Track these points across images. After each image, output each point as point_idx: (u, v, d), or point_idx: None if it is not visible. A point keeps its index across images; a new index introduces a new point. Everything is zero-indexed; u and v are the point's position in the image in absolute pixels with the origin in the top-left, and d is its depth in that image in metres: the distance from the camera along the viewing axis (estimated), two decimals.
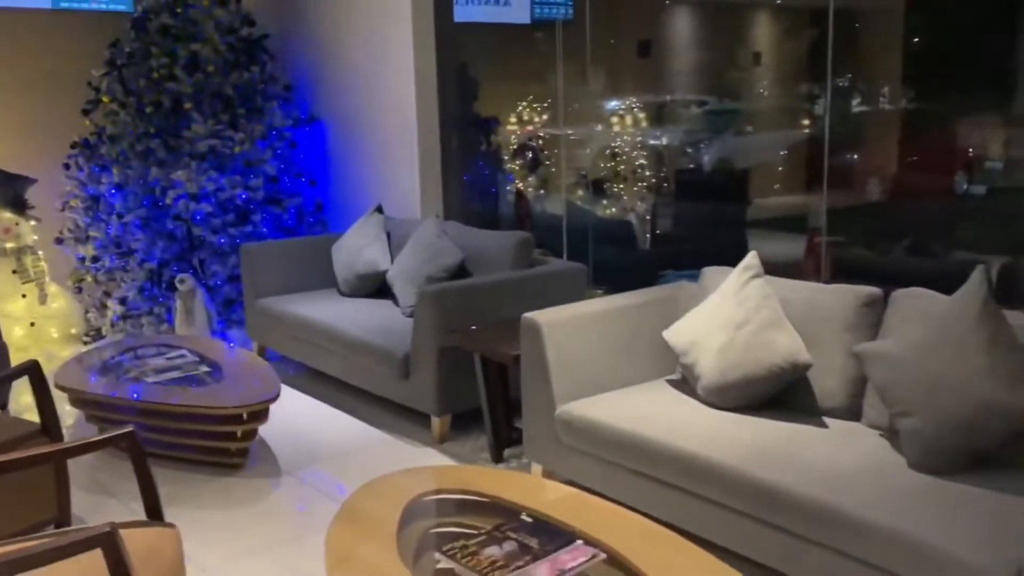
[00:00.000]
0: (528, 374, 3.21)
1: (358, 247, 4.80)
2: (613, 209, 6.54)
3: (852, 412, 2.82)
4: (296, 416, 4.20)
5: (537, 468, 3.28)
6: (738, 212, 5.40)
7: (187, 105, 5.39)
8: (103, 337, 5.51)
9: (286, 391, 4.58)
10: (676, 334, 3.13)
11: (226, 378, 3.67)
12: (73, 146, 5.61)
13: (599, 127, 6.47)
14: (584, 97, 6.19)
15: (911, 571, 2.11)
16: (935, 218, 4.11)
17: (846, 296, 2.88)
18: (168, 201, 5.28)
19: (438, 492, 2.52)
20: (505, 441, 3.65)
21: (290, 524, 3.08)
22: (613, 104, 6.39)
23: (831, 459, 2.49)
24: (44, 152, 5.75)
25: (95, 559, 2.01)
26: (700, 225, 5.79)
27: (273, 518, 3.13)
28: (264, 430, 3.97)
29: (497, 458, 3.61)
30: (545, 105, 6.54)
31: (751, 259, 3.05)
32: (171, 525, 2.26)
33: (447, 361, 3.71)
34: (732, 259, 3.26)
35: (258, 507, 3.22)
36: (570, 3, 6.07)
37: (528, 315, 3.17)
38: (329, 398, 4.46)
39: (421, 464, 3.57)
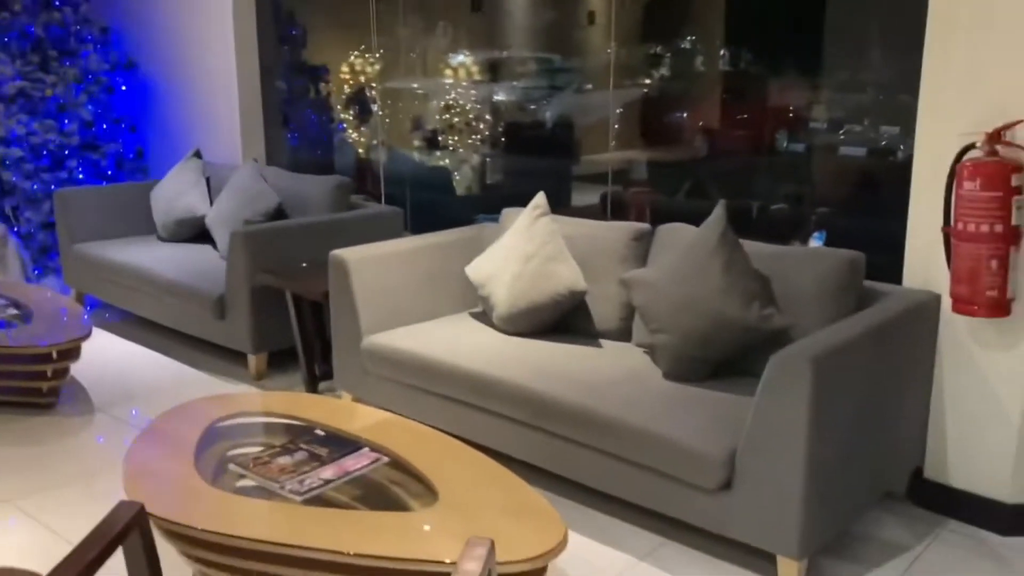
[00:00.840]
0: (337, 309, 3.39)
1: (176, 193, 4.81)
2: (447, 160, 6.76)
3: (624, 334, 3.17)
4: (113, 359, 4.22)
5: (347, 398, 3.49)
6: (566, 166, 5.72)
7: None
8: None
9: (105, 336, 4.57)
10: (476, 269, 3.39)
11: (36, 320, 3.67)
12: None
13: (429, 81, 6.62)
14: (417, 49, 6.33)
15: (653, 461, 2.46)
16: (750, 172, 4.52)
17: (620, 231, 3.21)
18: None
19: (241, 415, 2.69)
20: (320, 376, 3.83)
21: (100, 457, 3.17)
22: (450, 58, 6.55)
23: (598, 372, 2.82)
24: None
25: None
26: (529, 177, 6.09)
27: (84, 452, 3.21)
28: (80, 373, 3.98)
29: (312, 392, 3.79)
30: (378, 56, 6.64)
31: (539, 199, 3.34)
32: None
33: (262, 301, 3.84)
34: (554, 206, 3.56)
35: (69, 443, 3.28)
36: None
37: (336, 252, 3.35)
38: (149, 342, 4.50)
39: None
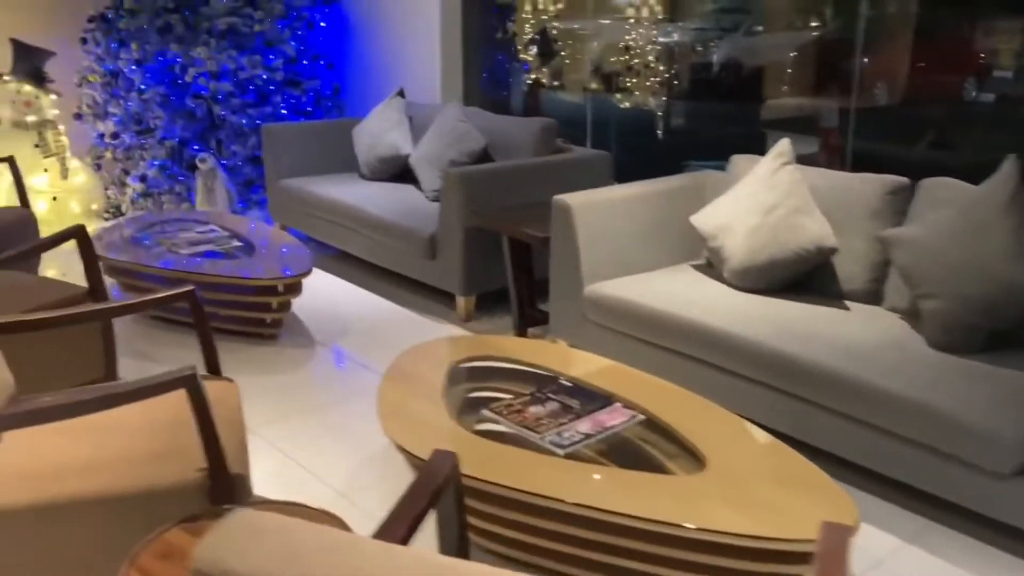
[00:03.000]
0: (558, 254, 3.30)
1: (380, 131, 4.82)
2: (627, 103, 6.55)
3: (872, 296, 2.94)
4: (324, 293, 4.32)
5: (562, 344, 3.41)
6: (751, 110, 5.43)
7: None
8: (123, 214, 5.58)
9: (314, 271, 4.68)
10: (705, 219, 3.22)
11: (258, 252, 3.77)
12: (91, 20, 5.55)
13: (608, 21, 6.40)
14: None
15: (930, 438, 2.26)
16: (943, 122, 4.18)
17: (873, 184, 2.96)
18: (188, 79, 5.26)
19: (477, 359, 2.65)
20: (529, 320, 3.77)
21: (329, 389, 3.23)
22: None
23: (853, 336, 2.62)
24: (61, 24, 5.69)
25: (170, 403, 2.14)
26: (714, 121, 5.83)
27: (313, 383, 3.28)
28: (295, 304, 4.09)
29: (522, 336, 3.74)
30: None
31: (783, 146, 3.12)
32: (230, 380, 2.38)
33: (472, 242, 3.80)
34: (748, 152, 3.36)
35: (297, 374, 3.36)
36: None
37: (559, 197, 3.25)
38: (354, 278, 4.57)
39: None
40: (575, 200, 3.23)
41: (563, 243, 3.27)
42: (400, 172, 4.83)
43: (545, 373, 2.54)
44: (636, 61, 6.64)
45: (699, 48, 6.03)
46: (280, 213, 5.12)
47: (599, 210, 3.26)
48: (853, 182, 3.01)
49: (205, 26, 5.32)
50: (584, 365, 2.59)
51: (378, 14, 5.56)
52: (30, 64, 5.18)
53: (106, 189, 5.63)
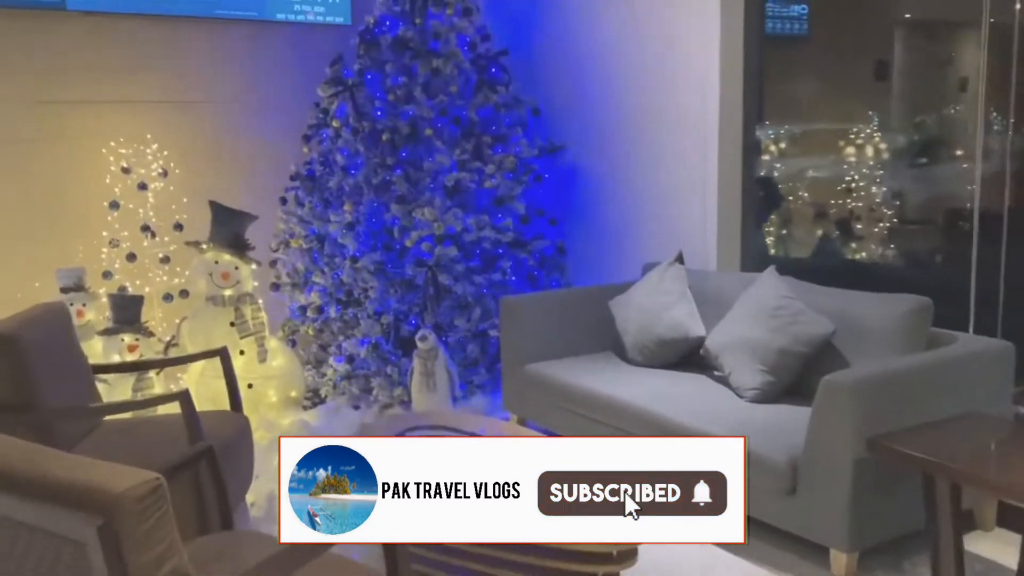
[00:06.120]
0: None
1: (658, 306, 3.87)
2: (863, 253, 5.51)
3: None
4: None
5: None
6: None
7: (428, 131, 4.59)
8: (323, 401, 4.71)
9: None
10: None
11: None
12: (293, 177, 4.88)
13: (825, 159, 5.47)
14: (813, 120, 5.18)
15: None
16: None
17: None
18: (409, 243, 4.47)
19: None
20: None
21: None
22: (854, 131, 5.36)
23: None
24: (258, 182, 5.05)
25: None
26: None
27: None
28: None
29: None
30: (781, 131, 5.57)
31: None
32: None
33: (863, 474, 2.72)
34: None
35: None
36: (804, 17, 5.11)
37: None
38: None
39: None
40: None
41: None
42: (681, 358, 3.84)
43: None
44: (860, 204, 5.65)
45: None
46: (518, 403, 4.16)
47: None
48: None
49: (426, 183, 4.57)
50: None
51: (617, 159, 4.73)
52: (230, 230, 4.48)
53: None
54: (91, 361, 3.46)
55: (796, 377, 3.34)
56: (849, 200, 5.52)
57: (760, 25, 4.24)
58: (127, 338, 4.14)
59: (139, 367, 3.93)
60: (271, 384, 4.50)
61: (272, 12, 5.17)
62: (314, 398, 4.74)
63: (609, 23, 4.69)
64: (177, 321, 4.53)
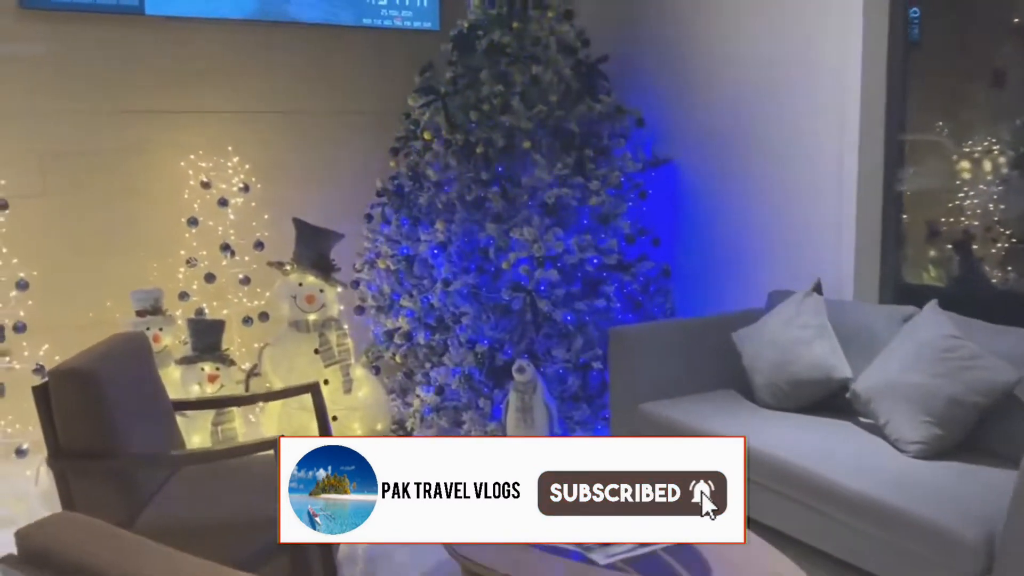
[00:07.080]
0: None
1: (793, 341, 3.45)
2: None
3: None
4: None
5: None
6: None
7: (526, 144, 4.23)
8: (409, 434, 4.37)
9: None
10: None
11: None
12: (379, 194, 4.56)
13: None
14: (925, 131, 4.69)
15: None
16: None
17: None
18: (505, 266, 4.11)
19: None
20: None
21: None
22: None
23: None
24: (340, 199, 4.75)
25: None
26: None
27: None
28: None
29: None
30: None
31: None
32: None
33: None
34: None
35: None
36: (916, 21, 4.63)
37: None
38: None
39: None
40: None
41: None
42: (820, 400, 3.41)
43: None
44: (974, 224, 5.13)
45: None
46: None
47: None
48: None
49: (524, 200, 4.21)
50: None
51: (734, 175, 4.31)
52: (315, 249, 4.17)
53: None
54: (169, 391, 3.16)
55: (968, 431, 2.90)
56: (963, 219, 5.00)
57: (904, 31, 3.79)
58: (207, 367, 3.84)
59: (222, 403, 3.63)
60: (356, 416, 4.17)
61: (358, 17, 4.87)
62: (399, 431, 4.40)
63: (737, 25, 4.29)
64: (257, 347, 4.24)
